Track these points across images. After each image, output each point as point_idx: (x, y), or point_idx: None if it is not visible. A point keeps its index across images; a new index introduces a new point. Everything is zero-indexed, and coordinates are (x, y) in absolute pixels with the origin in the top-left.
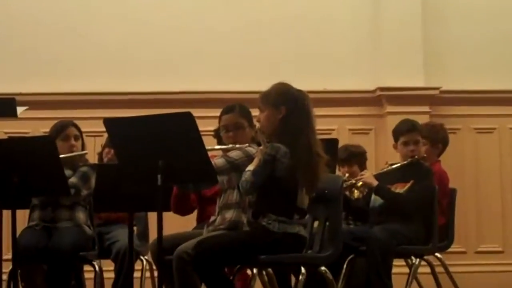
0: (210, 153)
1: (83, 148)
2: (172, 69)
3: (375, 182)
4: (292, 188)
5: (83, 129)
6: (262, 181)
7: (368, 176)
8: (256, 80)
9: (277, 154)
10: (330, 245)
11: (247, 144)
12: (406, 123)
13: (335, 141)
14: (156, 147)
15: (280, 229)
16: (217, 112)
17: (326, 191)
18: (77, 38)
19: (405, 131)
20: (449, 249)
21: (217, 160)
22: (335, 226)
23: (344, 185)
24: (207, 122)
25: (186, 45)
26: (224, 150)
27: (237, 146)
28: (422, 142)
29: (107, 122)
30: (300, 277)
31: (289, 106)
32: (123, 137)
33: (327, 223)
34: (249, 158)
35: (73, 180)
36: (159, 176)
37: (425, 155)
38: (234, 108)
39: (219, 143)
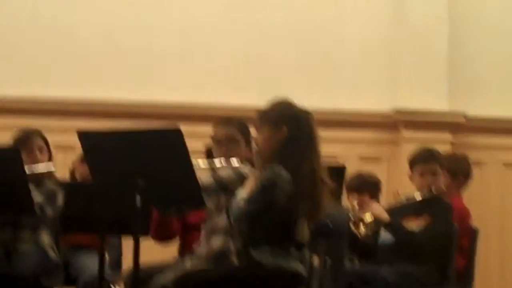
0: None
1: (49, 161)
2: (159, 76)
3: (386, 217)
4: (291, 218)
5: (52, 141)
6: (257, 210)
7: (378, 208)
8: (253, 94)
9: (278, 180)
10: (331, 285)
11: (237, 159)
12: (424, 151)
13: (342, 169)
14: (137, 164)
15: (274, 264)
16: (206, 129)
17: (330, 224)
18: (49, 35)
19: (422, 160)
20: None
21: (204, 179)
22: (338, 264)
23: (351, 217)
24: (194, 140)
25: (176, 47)
26: (211, 167)
27: (229, 163)
28: (441, 174)
29: (82, 134)
30: None
31: (291, 127)
32: (99, 152)
33: (328, 260)
34: (241, 179)
35: (37, 198)
36: (137, 196)
37: (444, 190)
38: (231, 121)
39: None
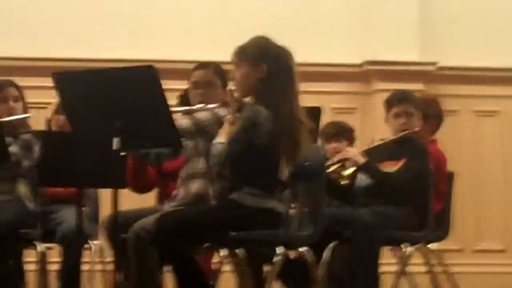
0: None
1: (24, 112)
2: (132, 33)
3: (362, 159)
4: (273, 158)
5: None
6: (240, 150)
7: (354, 152)
8: (227, 49)
9: (258, 119)
10: (311, 224)
11: (217, 104)
12: (398, 93)
13: (317, 110)
14: (113, 107)
15: (253, 204)
16: (182, 85)
17: (307, 163)
18: None
19: (396, 101)
20: (444, 247)
21: (182, 121)
22: (317, 203)
23: (328, 163)
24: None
25: (150, 4)
26: (190, 111)
27: (207, 106)
28: (416, 115)
29: (57, 76)
30: (275, 258)
31: (270, 64)
32: (74, 93)
33: (307, 202)
34: (218, 121)
35: (13, 149)
36: (115, 139)
37: (419, 131)
38: (209, 65)
39: None
